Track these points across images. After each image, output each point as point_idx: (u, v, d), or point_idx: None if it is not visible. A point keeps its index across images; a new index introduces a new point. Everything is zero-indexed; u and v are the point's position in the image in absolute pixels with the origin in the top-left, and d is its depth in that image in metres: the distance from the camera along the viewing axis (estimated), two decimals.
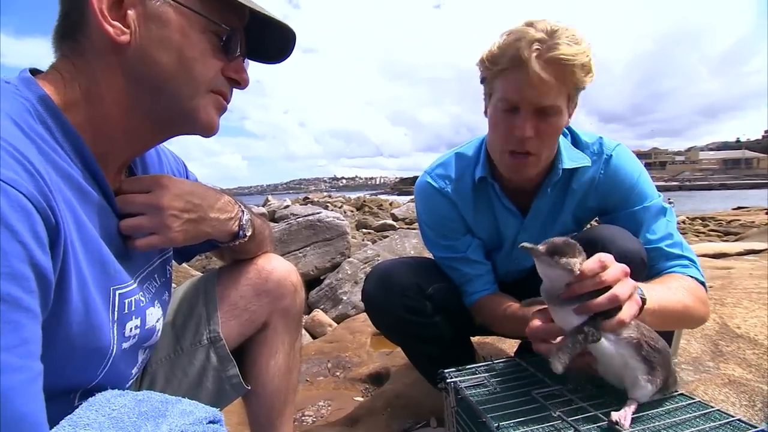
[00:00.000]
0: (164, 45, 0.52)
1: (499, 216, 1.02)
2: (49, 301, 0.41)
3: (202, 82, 0.55)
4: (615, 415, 0.62)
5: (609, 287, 0.64)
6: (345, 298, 3.04)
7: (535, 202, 0.99)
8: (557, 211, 1.01)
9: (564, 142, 0.97)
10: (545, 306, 0.71)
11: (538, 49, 0.79)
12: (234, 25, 0.56)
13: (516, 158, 0.88)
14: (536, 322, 0.72)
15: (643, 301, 0.71)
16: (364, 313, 2.13)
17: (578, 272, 0.63)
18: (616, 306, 0.63)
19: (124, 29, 0.50)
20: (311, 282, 3.35)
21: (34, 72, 0.52)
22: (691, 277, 0.89)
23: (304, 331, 2.45)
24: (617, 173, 0.96)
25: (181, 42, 0.52)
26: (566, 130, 1.01)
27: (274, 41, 0.63)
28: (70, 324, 0.45)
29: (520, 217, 1.01)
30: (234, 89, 0.60)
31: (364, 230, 8.24)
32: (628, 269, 0.67)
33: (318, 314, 2.79)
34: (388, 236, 5.17)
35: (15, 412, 0.34)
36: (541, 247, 0.65)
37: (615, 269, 0.65)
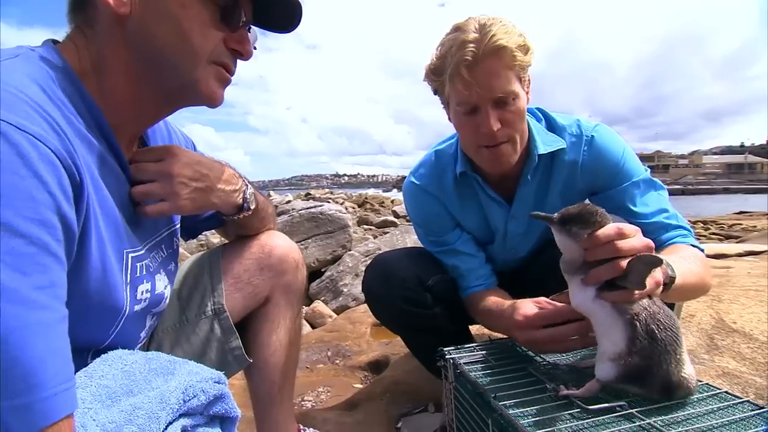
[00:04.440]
0: (162, 17, 0.52)
1: (486, 207, 1.03)
2: (72, 253, 0.43)
3: (202, 53, 0.55)
4: (565, 391, 0.62)
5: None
6: (345, 290, 3.06)
7: (519, 191, 1.00)
8: (543, 196, 1.01)
9: (537, 127, 0.97)
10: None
11: (473, 48, 0.80)
12: None
13: (492, 151, 0.89)
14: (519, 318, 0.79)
15: (672, 279, 0.69)
16: (365, 305, 2.15)
17: (586, 241, 0.61)
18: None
19: (124, 0, 0.50)
20: (312, 274, 3.37)
21: (54, 43, 0.53)
22: (694, 246, 0.90)
23: (304, 321, 2.48)
24: (601, 153, 0.96)
25: (179, 13, 0.52)
26: (541, 115, 1.02)
27: (281, 10, 0.63)
28: (88, 280, 0.47)
29: (506, 206, 1.02)
30: (238, 60, 0.60)
31: (365, 226, 8.25)
32: (652, 244, 0.63)
33: (318, 305, 2.81)
34: (389, 232, 5.18)
35: (46, 345, 0.36)
36: (555, 216, 0.63)
37: (635, 240, 0.61)
